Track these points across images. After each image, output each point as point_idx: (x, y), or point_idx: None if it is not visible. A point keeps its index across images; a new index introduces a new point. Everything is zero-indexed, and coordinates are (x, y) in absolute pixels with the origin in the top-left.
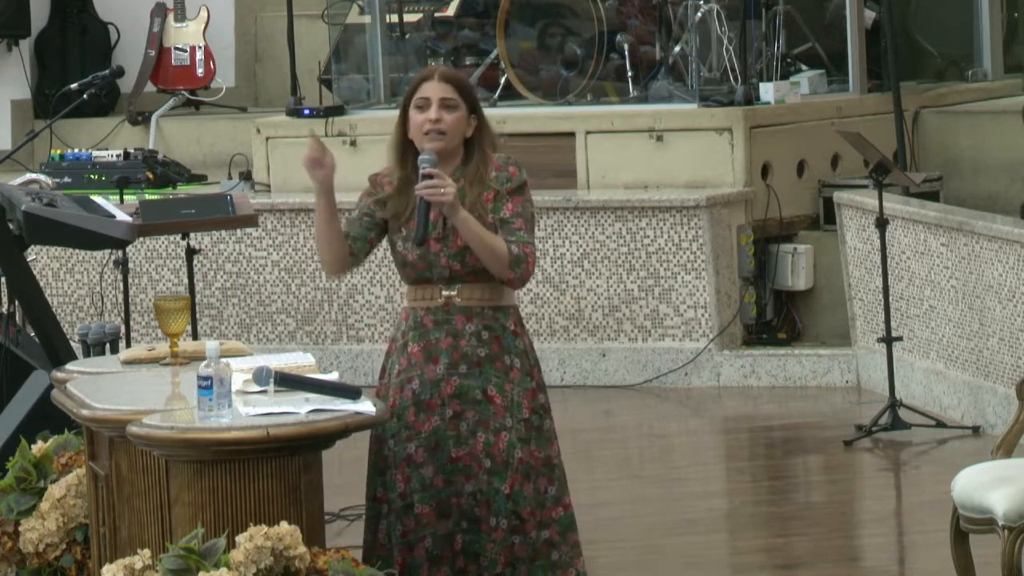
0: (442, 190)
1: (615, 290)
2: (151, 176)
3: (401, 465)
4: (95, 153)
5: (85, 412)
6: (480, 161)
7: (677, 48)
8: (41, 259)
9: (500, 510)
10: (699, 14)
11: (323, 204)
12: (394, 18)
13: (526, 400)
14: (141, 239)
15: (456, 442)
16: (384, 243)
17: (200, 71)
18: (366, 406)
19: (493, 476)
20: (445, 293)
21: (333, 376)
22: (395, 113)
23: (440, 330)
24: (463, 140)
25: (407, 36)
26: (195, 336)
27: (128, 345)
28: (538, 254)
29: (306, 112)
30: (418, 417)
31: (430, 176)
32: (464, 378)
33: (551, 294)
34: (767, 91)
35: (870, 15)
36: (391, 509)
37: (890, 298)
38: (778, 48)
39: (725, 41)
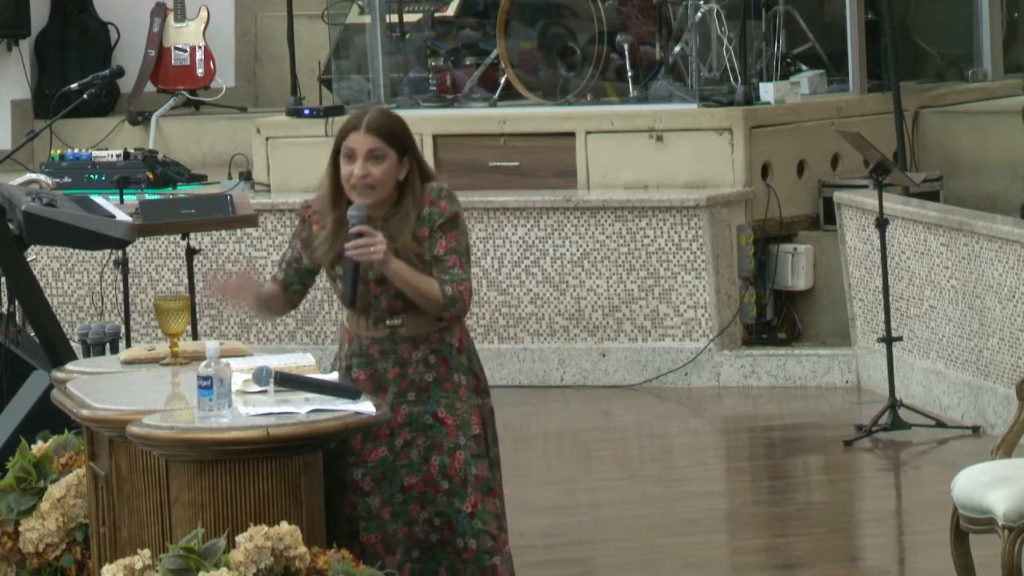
0: (372, 248)
1: (615, 290)
2: (151, 176)
3: (347, 490)
4: (95, 153)
5: (85, 412)
6: (412, 202)
7: (677, 48)
8: (41, 259)
9: (466, 530)
10: (699, 14)
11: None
12: (394, 18)
13: (475, 417)
14: (141, 239)
15: (408, 470)
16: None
17: (200, 71)
18: (366, 406)
19: (453, 497)
20: (389, 323)
21: (333, 376)
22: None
23: (387, 360)
24: (396, 184)
25: (407, 36)
26: (195, 336)
27: (128, 345)
28: (538, 254)
29: (306, 112)
30: (364, 445)
31: (359, 234)
32: (412, 405)
33: (551, 294)
34: (767, 91)
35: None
36: (342, 532)
37: (890, 298)
38: (778, 48)
39: (725, 41)
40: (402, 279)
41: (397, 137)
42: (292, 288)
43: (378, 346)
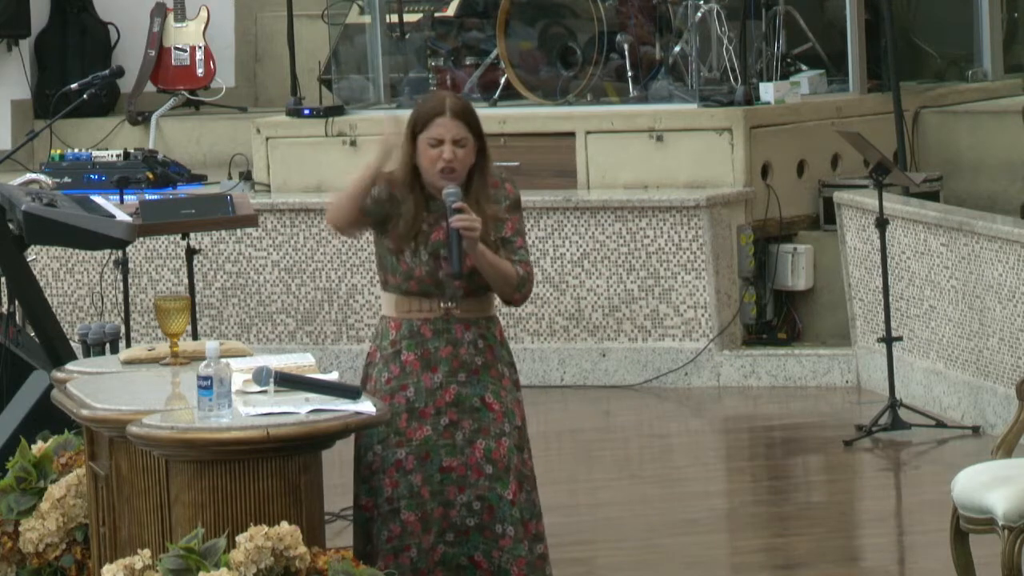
0: (475, 224)
1: (615, 290)
2: (151, 176)
3: (389, 470)
4: (95, 153)
5: (85, 412)
6: (483, 184)
7: (677, 48)
8: (41, 259)
9: (505, 516)
10: (699, 14)
11: (370, 177)
12: (394, 18)
13: (517, 409)
14: (141, 239)
15: (449, 451)
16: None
17: (200, 71)
18: (366, 406)
19: (495, 482)
20: (443, 305)
21: (333, 376)
22: (395, 113)
23: (440, 339)
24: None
25: (407, 36)
26: (195, 336)
27: (128, 345)
28: (538, 254)
29: (306, 112)
30: (410, 424)
31: (460, 210)
32: (462, 386)
33: (551, 294)
34: (767, 91)
35: None
36: (379, 514)
37: (890, 298)
38: (778, 48)
39: (725, 41)
40: (487, 260)
41: (476, 123)
42: (367, 212)
43: (431, 326)
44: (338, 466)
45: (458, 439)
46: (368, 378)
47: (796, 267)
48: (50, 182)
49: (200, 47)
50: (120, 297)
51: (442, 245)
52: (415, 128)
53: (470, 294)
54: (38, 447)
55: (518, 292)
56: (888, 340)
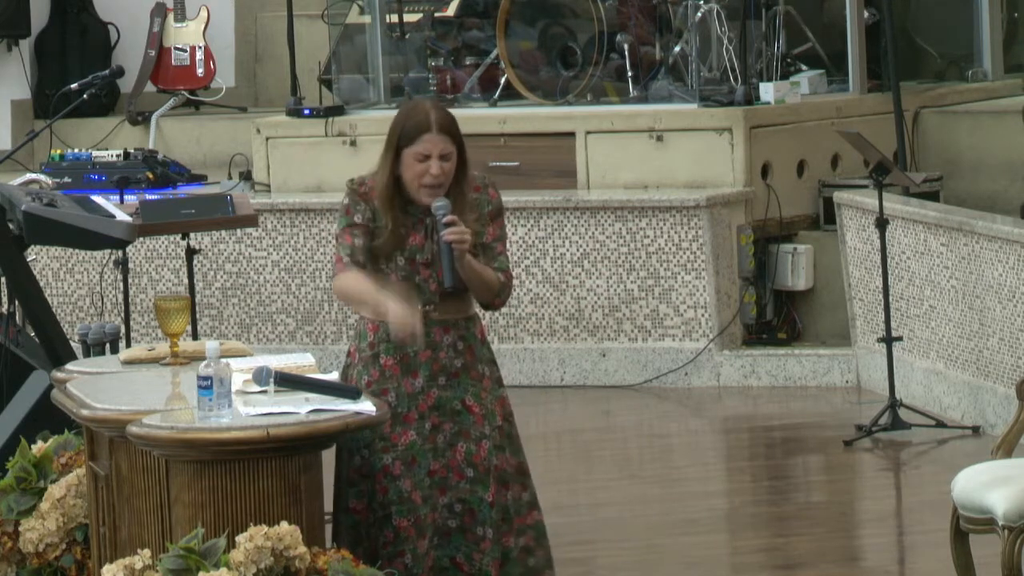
0: (465, 237)
1: (615, 290)
2: (151, 176)
3: (377, 475)
4: (95, 153)
5: (85, 412)
6: (462, 192)
7: (677, 48)
8: (41, 259)
9: (485, 519)
10: (699, 14)
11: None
12: (394, 18)
13: (498, 408)
14: (141, 239)
15: (434, 455)
16: None
17: (200, 71)
18: (366, 406)
19: (476, 485)
20: (421, 308)
21: (333, 376)
22: (396, 113)
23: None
24: None
25: (407, 36)
26: (195, 336)
27: (128, 345)
28: (538, 254)
29: (306, 112)
30: (394, 429)
31: (452, 224)
32: (443, 390)
33: (551, 294)
34: (767, 91)
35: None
36: (373, 519)
37: (890, 298)
38: (778, 48)
39: (725, 41)
40: (472, 269)
41: (459, 135)
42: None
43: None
44: None
45: (439, 442)
46: (348, 379)
47: (796, 267)
48: (50, 182)
49: (200, 47)
50: (120, 297)
51: (418, 250)
52: (399, 141)
53: (448, 296)
54: (38, 447)
55: (498, 298)
56: (888, 340)
